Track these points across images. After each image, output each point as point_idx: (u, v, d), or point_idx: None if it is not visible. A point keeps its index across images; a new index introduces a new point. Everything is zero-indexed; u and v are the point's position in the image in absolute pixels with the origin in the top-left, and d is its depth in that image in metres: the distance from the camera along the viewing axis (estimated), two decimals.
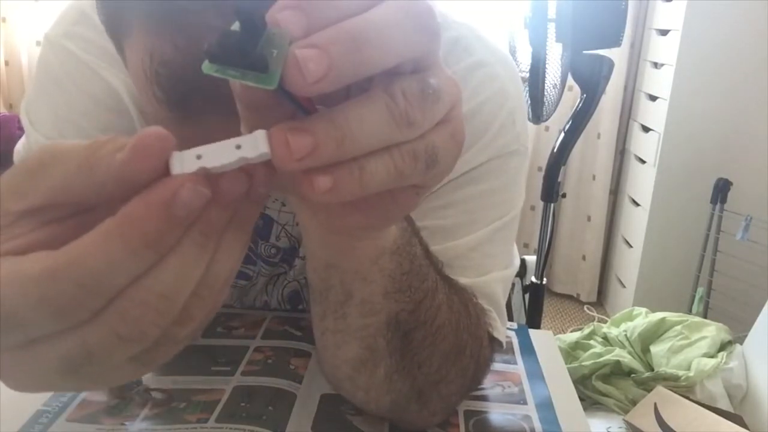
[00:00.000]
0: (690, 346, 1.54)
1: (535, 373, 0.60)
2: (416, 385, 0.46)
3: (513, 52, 1.59)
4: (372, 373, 0.45)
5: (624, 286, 2.36)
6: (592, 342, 1.66)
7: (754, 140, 2.04)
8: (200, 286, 0.24)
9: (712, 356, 1.51)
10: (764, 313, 1.55)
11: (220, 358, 0.57)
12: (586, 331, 1.71)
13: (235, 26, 0.21)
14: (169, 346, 0.25)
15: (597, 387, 1.51)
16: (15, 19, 2.55)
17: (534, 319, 1.67)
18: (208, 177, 0.22)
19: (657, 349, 1.56)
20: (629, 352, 1.58)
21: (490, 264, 0.54)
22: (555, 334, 1.48)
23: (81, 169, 0.22)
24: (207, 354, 0.58)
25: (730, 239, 1.91)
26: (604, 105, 2.40)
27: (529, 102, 1.53)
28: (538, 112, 1.53)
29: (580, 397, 0.59)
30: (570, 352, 1.63)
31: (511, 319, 0.66)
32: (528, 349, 0.65)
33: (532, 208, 2.62)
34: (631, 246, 2.33)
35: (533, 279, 1.67)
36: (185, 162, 0.22)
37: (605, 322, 1.85)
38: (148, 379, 0.53)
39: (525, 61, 1.52)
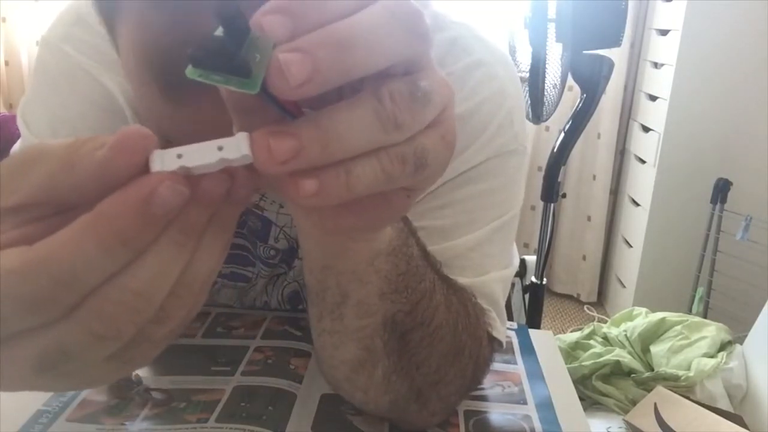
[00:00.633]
0: (690, 346, 1.54)
1: (535, 373, 0.60)
2: (415, 386, 0.46)
3: (513, 52, 1.59)
4: (370, 373, 0.45)
5: (624, 286, 2.36)
6: (592, 342, 1.66)
7: (754, 140, 2.04)
8: (178, 285, 0.24)
9: (712, 356, 1.51)
10: (764, 313, 1.55)
11: (220, 358, 0.57)
12: (586, 331, 1.71)
13: (219, 31, 0.21)
14: (146, 346, 0.25)
15: (597, 387, 1.51)
16: (15, 19, 2.55)
17: (534, 319, 1.67)
18: (189, 177, 0.22)
19: (657, 349, 1.56)
20: (629, 352, 1.58)
21: (489, 264, 0.54)
22: (555, 334, 1.48)
23: (63, 167, 0.22)
24: (207, 354, 0.58)
25: (730, 239, 1.91)
26: (604, 105, 2.40)
27: (529, 102, 1.53)
28: (538, 112, 1.53)
29: (580, 397, 0.59)
30: (570, 352, 1.63)
31: (511, 319, 0.66)
32: (528, 349, 0.65)
33: (532, 208, 2.62)
34: (631, 246, 2.33)
35: (533, 279, 1.67)
36: (166, 160, 0.22)
37: (605, 322, 1.85)
38: (148, 379, 0.53)
39: (525, 61, 1.52)
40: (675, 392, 1.42)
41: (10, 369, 0.24)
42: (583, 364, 1.54)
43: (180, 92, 0.35)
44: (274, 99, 0.22)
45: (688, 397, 1.41)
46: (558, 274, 2.69)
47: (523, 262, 1.68)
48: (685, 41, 2.00)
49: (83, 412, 0.49)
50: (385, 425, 0.50)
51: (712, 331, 1.57)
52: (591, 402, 1.51)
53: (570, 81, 1.49)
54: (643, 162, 2.27)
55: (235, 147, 0.22)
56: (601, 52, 1.45)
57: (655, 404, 1.39)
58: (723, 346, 1.55)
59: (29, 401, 0.50)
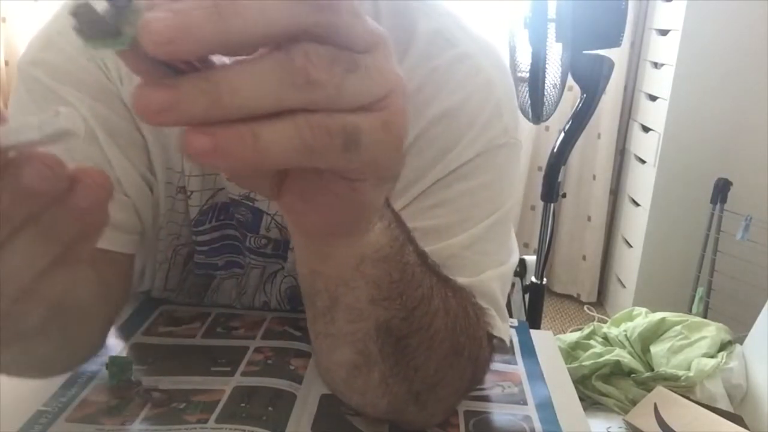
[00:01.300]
0: (690, 346, 1.54)
1: (535, 373, 0.60)
2: (413, 389, 0.46)
3: (513, 52, 1.59)
4: (366, 377, 0.45)
5: (624, 286, 2.36)
6: (592, 342, 1.66)
7: (754, 140, 2.04)
8: None
9: (712, 356, 1.51)
10: (764, 313, 1.55)
11: (220, 358, 0.57)
12: (586, 331, 1.71)
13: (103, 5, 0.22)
14: None
15: (597, 387, 1.51)
16: (15, 19, 2.55)
17: (534, 319, 1.67)
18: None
19: (657, 349, 1.56)
20: (629, 352, 1.58)
21: (485, 262, 0.54)
22: (555, 334, 1.48)
23: None
24: (207, 354, 0.58)
25: (730, 239, 1.91)
26: (604, 105, 2.40)
27: (529, 102, 1.53)
28: (538, 112, 1.53)
29: (580, 397, 0.59)
30: (570, 352, 1.63)
31: (510, 317, 0.66)
32: (528, 349, 0.65)
33: (532, 208, 2.62)
34: (631, 246, 2.33)
35: (533, 279, 1.67)
36: None
37: (605, 322, 1.85)
38: (148, 379, 0.53)
39: (525, 61, 1.52)
40: (675, 392, 1.42)
41: None
42: (583, 364, 1.54)
43: None
44: (164, 63, 0.22)
45: (688, 397, 1.41)
46: (558, 274, 2.69)
47: (523, 262, 1.68)
48: (685, 41, 2.00)
49: (83, 413, 0.49)
50: (385, 426, 0.50)
51: (712, 331, 1.57)
52: (591, 402, 1.51)
53: (570, 81, 1.49)
54: (643, 162, 2.27)
55: (52, 122, 0.22)
56: (601, 52, 1.45)
57: (655, 404, 1.39)
58: (723, 346, 1.55)
59: (29, 402, 0.50)
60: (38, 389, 0.51)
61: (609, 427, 1.40)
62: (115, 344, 0.59)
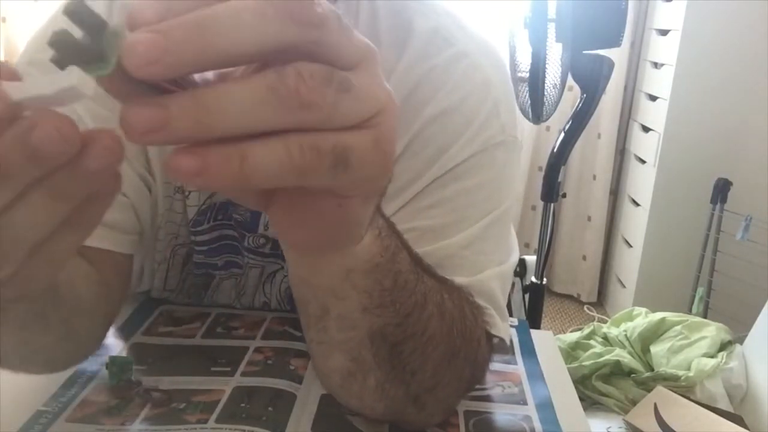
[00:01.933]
0: (690, 346, 1.54)
1: (535, 373, 0.60)
2: (411, 392, 0.45)
3: (513, 52, 1.59)
4: (362, 383, 0.44)
5: (624, 286, 2.36)
6: (592, 342, 1.66)
7: (754, 140, 2.04)
8: None
9: (712, 356, 1.51)
10: (764, 313, 1.55)
11: (220, 358, 0.57)
12: (586, 331, 1.72)
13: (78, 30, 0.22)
14: None
15: (597, 387, 1.51)
16: (15, 19, 2.54)
17: (534, 319, 1.67)
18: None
19: (657, 349, 1.56)
20: (629, 352, 1.58)
21: (484, 261, 0.53)
22: (555, 334, 1.48)
23: None
24: (207, 354, 0.58)
25: (730, 239, 1.91)
26: (604, 105, 2.40)
27: (529, 102, 1.53)
28: (538, 112, 1.53)
29: (580, 397, 0.59)
30: (570, 352, 1.63)
31: (510, 317, 0.66)
32: (528, 349, 0.65)
33: (533, 208, 2.62)
34: (631, 246, 2.33)
35: (533, 279, 1.66)
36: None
37: (605, 322, 1.85)
38: (148, 379, 0.53)
39: (525, 61, 1.52)
40: (675, 392, 1.42)
41: None
42: (583, 364, 1.54)
43: None
44: (147, 85, 0.22)
45: (688, 397, 1.41)
46: (558, 274, 2.69)
47: (523, 262, 1.68)
48: (685, 41, 2.00)
49: (83, 413, 0.49)
50: (385, 426, 0.50)
51: (712, 331, 1.57)
52: (591, 402, 1.51)
53: (570, 81, 1.49)
54: (643, 162, 2.27)
55: (67, 78, 0.21)
56: (601, 52, 1.45)
57: (655, 404, 1.39)
58: (723, 346, 1.55)
59: (29, 402, 0.50)
60: (38, 389, 0.51)
61: (609, 427, 1.40)
62: (115, 344, 0.59)
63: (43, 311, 0.40)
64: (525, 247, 2.64)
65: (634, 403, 1.45)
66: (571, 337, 1.70)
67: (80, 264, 0.49)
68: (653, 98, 2.22)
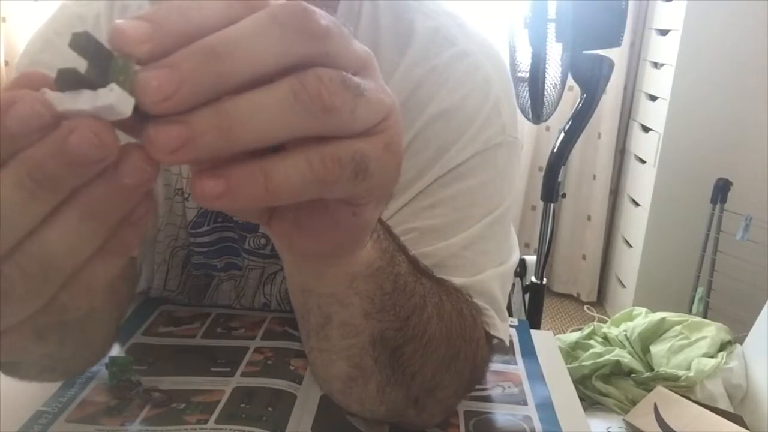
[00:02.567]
0: (690, 346, 1.54)
1: (535, 374, 0.60)
2: (411, 394, 0.46)
3: (513, 52, 1.59)
4: (363, 387, 0.45)
5: (624, 286, 2.36)
6: (592, 342, 1.66)
7: (754, 140, 2.04)
8: (18, 251, 0.22)
9: (712, 356, 1.51)
10: (764, 313, 1.55)
11: (220, 358, 0.57)
12: (586, 331, 1.71)
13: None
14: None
15: (597, 387, 1.51)
16: (15, 19, 2.54)
17: (534, 319, 1.67)
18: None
19: (657, 349, 1.56)
20: (629, 352, 1.58)
21: (484, 261, 0.53)
22: (555, 334, 1.48)
23: None
24: (207, 355, 0.58)
25: (730, 239, 1.91)
26: (604, 105, 2.40)
27: (529, 102, 1.52)
28: (538, 112, 1.53)
29: (580, 397, 0.59)
30: (570, 352, 1.63)
31: (510, 317, 0.66)
32: (528, 349, 0.65)
33: (533, 208, 2.62)
34: (631, 246, 2.33)
35: (533, 279, 1.66)
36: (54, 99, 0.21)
37: (605, 322, 1.85)
38: (148, 379, 0.53)
39: (525, 61, 1.51)
40: (675, 392, 1.42)
41: None
42: (583, 364, 1.54)
43: None
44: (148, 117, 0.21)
45: (688, 397, 1.41)
46: (558, 273, 2.69)
47: (523, 262, 1.68)
48: (685, 41, 2.00)
49: (83, 413, 0.49)
50: (385, 426, 0.50)
51: (712, 331, 1.57)
52: (591, 402, 1.51)
53: (570, 81, 1.49)
54: (643, 162, 2.26)
55: (105, 96, 0.20)
56: (601, 52, 1.45)
57: (655, 404, 1.39)
58: (723, 346, 1.55)
59: (29, 402, 0.50)
60: (38, 389, 0.51)
61: (609, 427, 1.40)
62: (115, 344, 0.59)
63: (64, 324, 0.40)
64: (525, 247, 2.64)
65: (634, 403, 1.45)
66: (571, 337, 1.70)
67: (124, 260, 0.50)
68: (653, 98, 2.21)
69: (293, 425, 0.49)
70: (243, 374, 0.55)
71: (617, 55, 2.15)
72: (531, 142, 2.56)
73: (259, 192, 0.22)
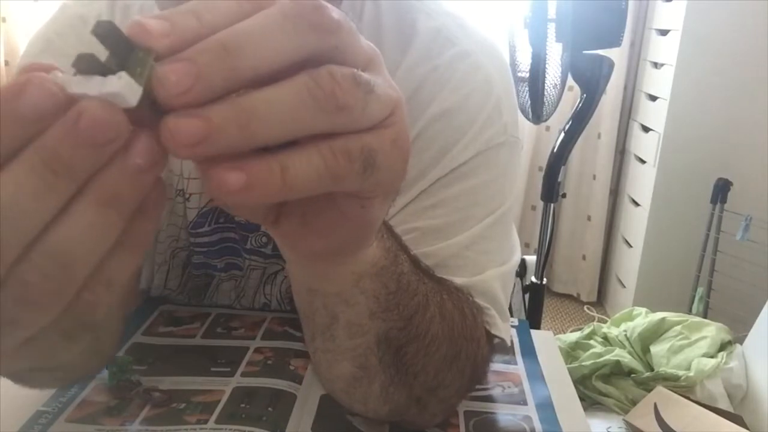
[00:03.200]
0: (690, 346, 1.54)
1: (535, 374, 0.60)
2: (414, 394, 0.46)
3: (513, 52, 1.59)
4: (367, 387, 0.45)
5: (624, 286, 2.36)
6: (592, 342, 1.66)
7: (754, 140, 2.04)
8: (34, 250, 0.21)
9: (712, 356, 1.51)
10: (764, 313, 1.55)
11: (220, 358, 0.57)
12: (586, 331, 1.71)
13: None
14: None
15: (597, 387, 1.51)
16: (15, 19, 2.54)
17: (534, 319, 1.67)
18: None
19: (657, 349, 1.56)
20: (629, 352, 1.58)
21: (486, 261, 0.54)
22: (555, 334, 1.48)
23: None
24: (207, 354, 0.58)
25: (730, 239, 1.91)
26: (604, 105, 2.40)
27: (529, 102, 1.53)
28: (538, 112, 1.53)
29: (580, 397, 0.59)
30: (570, 352, 1.63)
31: (511, 317, 0.66)
32: (528, 349, 0.65)
33: (533, 208, 2.62)
34: (631, 246, 2.33)
35: (533, 279, 1.67)
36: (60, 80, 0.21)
37: (605, 322, 1.85)
38: (148, 379, 0.53)
39: (525, 61, 1.52)
40: (675, 392, 1.42)
41: None
42: (583, 364, 1.54)
43: None
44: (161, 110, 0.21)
45: (688, 397, 1.41)
46: (558, 274, 2.69)
47: (523, 262, 1.68)
48: (685, 41, 2.00)
49: (83, 413, 0.49)
50: (385, 426, 0.50)
51: (712, 331, 1.57)
52: (591, 402, 1.51)
53: (570, 81, 1.49)
54: (643, 162, 2.27)
55: (113, 82, 0.20)
56: (601, 52, 1.45)
57: (655, 404, 1.39)
58: (723, 346, 1.55)
59: (29, 402, 0.50)
60: (38, 389, 0.51)
61: (609, 427, 1.40)
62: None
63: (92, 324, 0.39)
64: (525, 246, 2.64)
65: (634, 403, 1.45)
66: (571, 337, 1.70)
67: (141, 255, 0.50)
68: (653, 98, 2.22)
69: (293, 425, 0.49)
70: (243, 374, 0.55)
71: (617, 55, 2.16)
72: (531, 142, 2.56)
73: (276, 185, 0.22)
